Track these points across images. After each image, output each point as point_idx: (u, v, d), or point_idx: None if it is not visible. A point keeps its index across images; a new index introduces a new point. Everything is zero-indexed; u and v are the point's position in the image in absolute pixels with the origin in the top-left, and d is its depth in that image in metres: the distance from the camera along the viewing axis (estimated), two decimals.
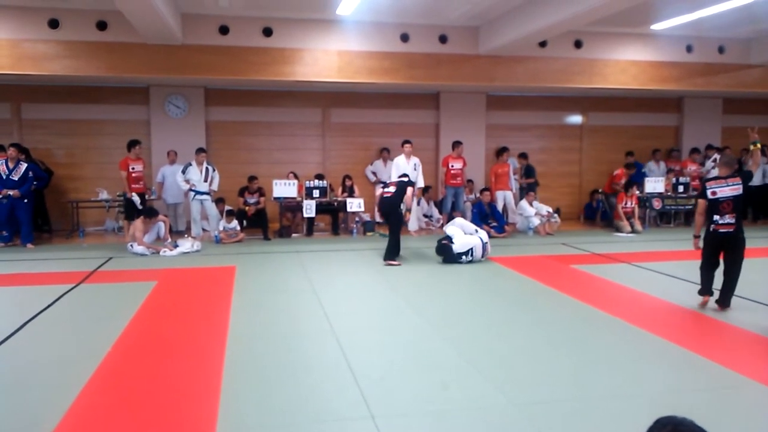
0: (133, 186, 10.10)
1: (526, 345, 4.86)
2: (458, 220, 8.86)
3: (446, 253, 8.23)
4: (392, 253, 8.20)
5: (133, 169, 10.14)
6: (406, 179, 8.71)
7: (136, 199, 10.03)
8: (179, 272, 7.77)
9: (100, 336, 4.97)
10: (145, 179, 10.49)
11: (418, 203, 11.25)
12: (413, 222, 11.02)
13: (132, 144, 10.20)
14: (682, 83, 12.17)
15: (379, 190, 10.57)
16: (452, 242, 8.26)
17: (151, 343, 4.91)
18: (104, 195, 10.86)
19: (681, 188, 12.28)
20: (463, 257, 8.17)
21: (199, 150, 10.44)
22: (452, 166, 11.38)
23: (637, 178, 12.52)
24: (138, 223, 9.15)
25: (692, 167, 12.92)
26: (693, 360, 4.46)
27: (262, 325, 5.38)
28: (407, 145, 10.49)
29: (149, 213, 9.37)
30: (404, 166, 10.46)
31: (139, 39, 9.87)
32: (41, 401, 3.73)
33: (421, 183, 10.69)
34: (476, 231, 8.62)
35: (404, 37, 10.96)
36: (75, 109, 11.65)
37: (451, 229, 8.59)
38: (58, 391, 3.84)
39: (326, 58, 10.74)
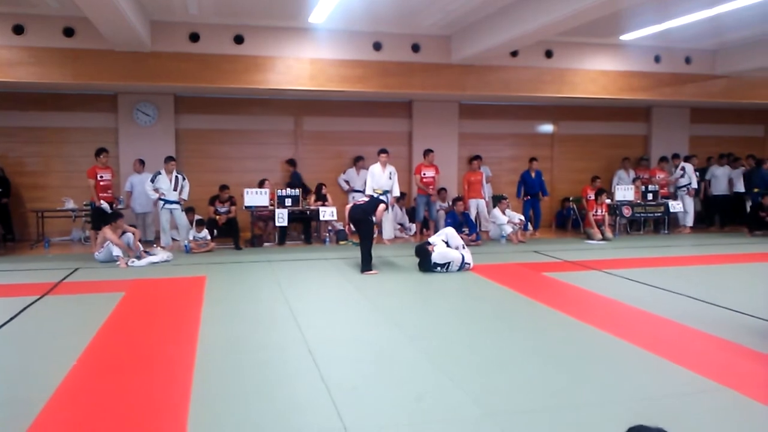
0: (101, 195, 9.91)
1: (501, 354, 4.84)
2: (450, 231, 8.78)
3: (423, 257, 8.20)
4: (368, 262, 8.16)
5: (101, 177, 9.96)
6: (382, 197, 8.76)
7: (105, 206, 9.82)
8: (147, 283, 7.60)
9: (64, 349, 4.82)
10: (113, 188, 10.29)
11: (392, 209, 11.20)
12: (388, 230, 10.99)
13: (99, 152, 10.04)
14: (651, 93, 12.38)
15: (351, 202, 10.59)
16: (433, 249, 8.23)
17: (117, 356, 4.77)
18: (70, 204, 10.63)
19: (650, 196, 12.47)
20: (439, 268, 8.14)
21: (168, 158, 10.28)
22: (424, 174, 11.39)
23: (535, 187, 12.27)
24: (106, 229, 8.97)
25: (661, 175, 13.14)
26: (664, 366, 4.48)
27: (233, 336, 5.27)
28: (383, 155, 10.45)
29: (113, 217, 9.21)
30: (379, 174, 10.42)
31: (106, 46, 9.69)
32: (2, 417, 3.58)
33: (396, 192, 10.68)
34: (463, 248, 8.57)
35: (377, 46, 10.96)
36: (40, 116, 11.38)
37: (435, 237, 8.56)
38: (20, 407, 3.70)
39: (298, 66, 10.68)
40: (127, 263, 8.70)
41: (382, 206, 8.41)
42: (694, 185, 12.84)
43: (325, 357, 4.67)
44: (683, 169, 12.84)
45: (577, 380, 4.24)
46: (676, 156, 13.19)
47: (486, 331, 5.52)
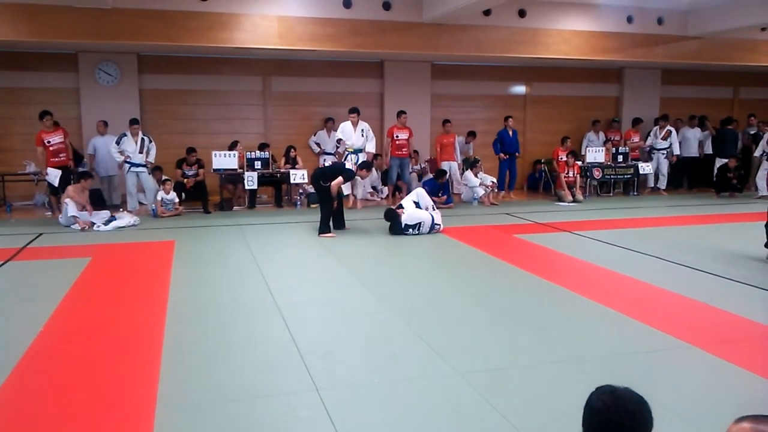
0: (51, 160, 9.46)
1: (472, 314, 4.87)
2: (420, 191, 8.75)
3: (393, 220, 8.17)
4: (324, 224, 8.15)
5: (49, 142, 9.47)
6: (349, 167, 8.70)
7: (51, 174, 9.38)
8: (114, 248, 7.45)
9: (30, 316, 4.72)
10: (67, 151, 9.79)
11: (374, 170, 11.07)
12: (359, 191, 10.89)
13: (43, 115, 9.49)
14: (623, 54, 12.35)
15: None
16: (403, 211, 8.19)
17: (85, 322, 4.68)
18: (32, 168, 10.27)
19: (620, 158, 12.56)
20: (410, 230, 8.12)
21: (133, 121, 9.99)
22: (397, 136, 11.26)
23: (513, 146, 12.21)
24: (70, 188, 8.77)
25: (635, 138, 13.17)
26: (631, 324, 4.56)
27: (203, 300, 5.20)
28: (353, 115, 10.36)
29: (83, 176, 9.01)
30: (350, 132, 10.33)
31: (65, 2, 9.25)
32: None
33: (372, 148, 10.57)
34: (433, 209, 8.56)
35: (347, 3, 10.68)
36: None
37: (406, 199, 8.52)
38: None
39: (266, 23, 10.37)
40: (89, 226, 8.51)
41: (339, 179, 8.27)
42: (677, 151, 12.89)
43: (296, 319, 4.65)
44: (669, 132, 12.87)
45: (547, 338, 4.29)
46: (664, 118, 13.10)
47: (457, 291, 5.55)
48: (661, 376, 3.65)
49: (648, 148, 13.17)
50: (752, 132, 13.48)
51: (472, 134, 12.61)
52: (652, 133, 13.14)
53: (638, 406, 1.67)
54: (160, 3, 9.84)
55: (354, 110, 10.44)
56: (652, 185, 13.08)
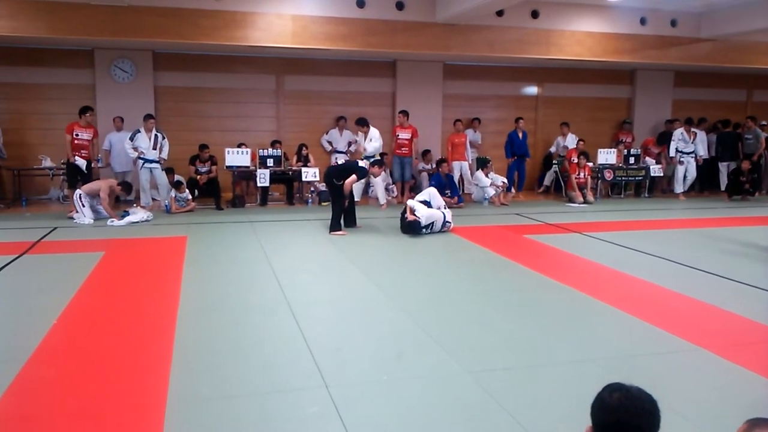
0: (73, 153, 9.58)
1: (481, 313, 4.90)
2: (432, 191, 8.73)
3: (414, 230, 8.04)
4: (335, 222, 8.19)
5: (77, 135, 9.60)
6: (362, 165, 8.63)
7: (80, 162, 9.56)
8: (128, 243, 7.54)
9: (44, 308, 4.79)
10: (90, 148, 9.86)
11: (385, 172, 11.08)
12: (381, 195, 10.88)
13: (83, 110, 9.67)
14: (636, 55, 12.32)
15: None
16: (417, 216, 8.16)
17: (97, 316, 4.75)
18: (48, 162, 10.42)
19: (632, 160, 12.50)
20: (424, 230, 8.12)
21: (147, 116, 10.08)
22: (398, 135, 11.30)
23: (522, 148, 12.31)
24: (105, 185, 8.94)
25: (655, 151, 12.98)
26: (640, 326, 4.57)
27: (214, 296, 5.26)
28: (363, 128, 10.39)
29: (125, 186, 9.32)
30: (361, 141, 10.41)
31: None
32: None
33: (376, 147, 10.56)
34: (445, 208, 8.56)
35: (360, 3, 10.73)
36: (14, 71, 11.04)
37: (416, 201, 8.49)
38: (0, 365, 3.68)
39: (280, 22, 10.44)
40: (108, 221, 8.65)
41: (352, 177, 8.29)
42: (701, 152, 12.56)
43: (306, 316, 4.69)
44: (695, 134, 12.65)
45: (555, 339, 4.30)
46: (688, 122, 12.52)
47: (466, 290, 5.57)
48: (669, 378, 3.66)
49: (678, 156, 12.40)
50: (747, 137, 13.17)
51: (476, 119, 12.67)
52: (678, 138, 12.42)
53: (652, 406, 1.66)
54: (175, 1, 9.93)
55: (362, 122, 10.45)
56: (681, 189, 12.56)
